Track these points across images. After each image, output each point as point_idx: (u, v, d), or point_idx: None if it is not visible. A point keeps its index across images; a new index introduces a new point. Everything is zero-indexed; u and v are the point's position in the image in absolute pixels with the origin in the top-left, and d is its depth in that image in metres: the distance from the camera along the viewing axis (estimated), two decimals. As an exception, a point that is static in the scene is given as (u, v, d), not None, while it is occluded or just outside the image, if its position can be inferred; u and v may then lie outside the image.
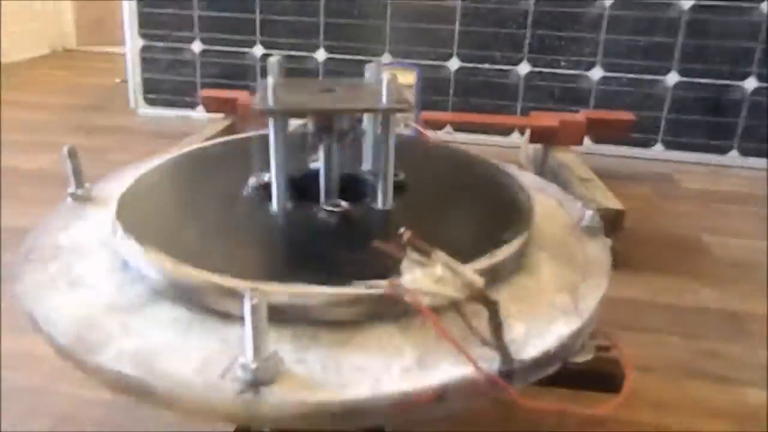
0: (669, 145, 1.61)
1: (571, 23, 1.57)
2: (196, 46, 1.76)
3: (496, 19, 1.58)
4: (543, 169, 1.27)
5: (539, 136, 1.30)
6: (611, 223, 0.97)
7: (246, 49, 1.73)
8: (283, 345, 0.38)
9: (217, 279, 0.40)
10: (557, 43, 1.59)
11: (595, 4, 1.54)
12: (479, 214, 0.53)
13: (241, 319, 0.39)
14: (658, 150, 1.60)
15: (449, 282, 0.30)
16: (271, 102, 0.48)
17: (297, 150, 0.58)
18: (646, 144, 1.60)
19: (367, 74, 0.56)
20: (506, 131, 1.63)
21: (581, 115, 1.32)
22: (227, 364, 0.36)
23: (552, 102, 1.61)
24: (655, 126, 1.60)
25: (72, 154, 0.55)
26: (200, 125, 1.50)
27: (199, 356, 0.37)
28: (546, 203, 0.58)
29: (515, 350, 0.37)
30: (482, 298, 0.30)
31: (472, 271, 0.30)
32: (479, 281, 0.30)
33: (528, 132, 1.34)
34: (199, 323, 0.40)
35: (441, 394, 0.35)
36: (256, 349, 0.34)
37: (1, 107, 1.82)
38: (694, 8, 1.49)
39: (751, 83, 1.52)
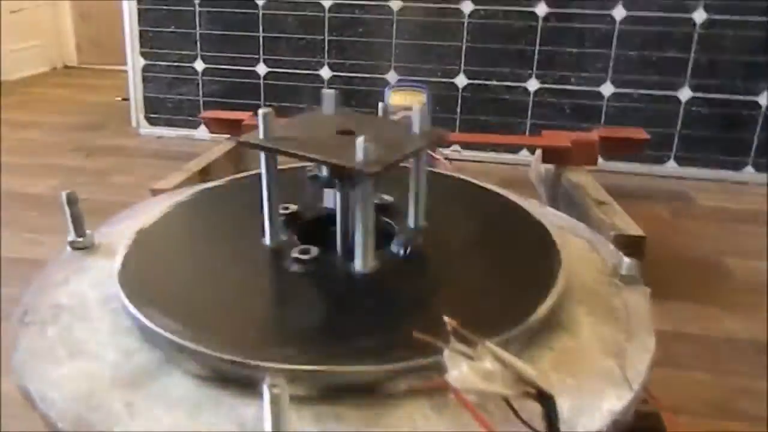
0: (682, 162, 1.57)
1: (581, 38, 1.54)
2: (198, 65, 1.73)
3: (504, 34, 1.55)
4: (556, 191, 1.23)
5: (551, 156, 1.26)
6: (632, 250, 0.93)
7: (249, 68, 1.70)
8: (305, 426, 0.34)
9: (230, 354, 0.37)
10: (567, 58, 1.56)
11: (605, 19, 1.51)
12: (505, 263, 0.50)
13: (258, 395, 0.35)
14: (671, 166, 1.57)
15: (499, 377, 0.26)
16: (261, 135, 0.45)
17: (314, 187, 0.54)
18: (659, 161, 1.57)
19: (324, 104, 0.52)
20: (515, 149, 1.59)
21: (594, 134, 1.29)
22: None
23: (562, 119, 1.57)
24: (668, 142, 1.56)
25: (71, 201, 0.52)
26: (204, 146, 1.47)
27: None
28: (575, 245, 0.55)
29: (563, 432, 0.34)
30: (536, 393, 0.26)
31: (522, 364, 0.27)
32: (532, 374, 0.27)
33: (539, 151, 1.30)
34: (213, 402, 0.36)
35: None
36: (278, 436, 0.31)
37: (1, 127, 1.79)
38: (707, 22, 1.46)
39: (765, 98, 1.49)
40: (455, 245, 0.51)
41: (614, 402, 0.36)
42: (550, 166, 1.27)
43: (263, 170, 0.48)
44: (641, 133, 1.30)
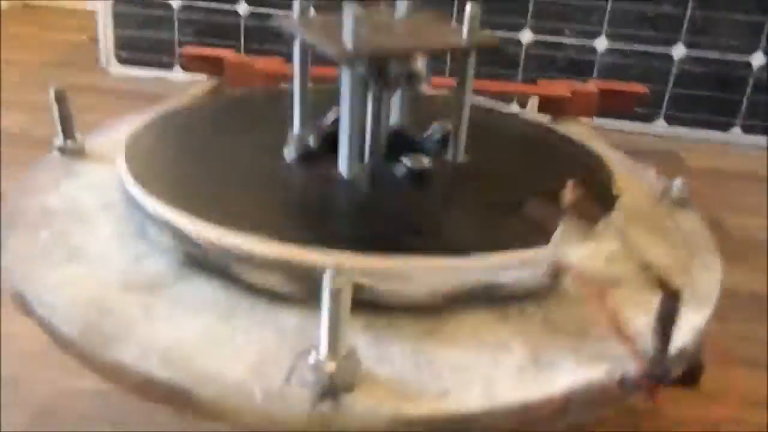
0: (672, 121, 1.55)
1: (578, -11, 1.49)
2: (175, 1, 1.62)
3: (499, -18, 1.49)
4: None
5: (548, 105, 1.22)
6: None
7: (229, 6, 1.61)
8: (355, 337, 0.29)
9: (274, 249, 0.31)
10: (562, 10, 1.51)
11: (605, -31, 1.47)
12: (557, 182, 0.45)
13: (300, 301, 0.31)
14: (660, 125, 1.55)
15: (622, 261, 0.22)
16: (351, 45, 0.36)
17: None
18: (649, 118, 1.55)
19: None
20: (507, 98, 1.55)
21: (592, 85, 1.25)
22: (291, 363, 0.28)
23: (554, 72, 1.53)
24: (659, 100, 1.54)
25: (60, 98, 0.46)
26: (180, 87, 1.38)
27: (251, 352, 0.29)
28: (622, 170, 0.51)
29: (644, 347, 0.30)
30: (662, 284, 0.22)
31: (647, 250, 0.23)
32: (659, 263, 0.23)
33: (535, 100, 1.26)
34: (246, 307, 0.31)
35: (568, 403, 0.28)
36: (334, 345, 0.26)
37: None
38: (706, -23, 1.43)
39: (758, 58, 1.47)
40: (503, 162, 0.47)
41: (695, 317, 0.33)
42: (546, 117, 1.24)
43: (347, 85, 0.40)
44: (640, 87, 1.27)
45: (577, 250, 0.23)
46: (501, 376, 0.28)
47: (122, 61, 1.70)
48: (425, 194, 0.40)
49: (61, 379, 0.65)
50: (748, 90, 1.51)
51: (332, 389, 0.26)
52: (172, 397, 0.27)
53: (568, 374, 0.28)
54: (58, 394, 0.63)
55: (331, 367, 0.26)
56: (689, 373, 0.49)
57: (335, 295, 0.25)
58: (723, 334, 0.83)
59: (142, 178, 0.37)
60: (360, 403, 0.26)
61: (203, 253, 0.33)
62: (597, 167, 0.45)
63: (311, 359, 0.27)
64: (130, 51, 1.71)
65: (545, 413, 0.27)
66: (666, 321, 0.23)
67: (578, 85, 1.26)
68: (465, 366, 0.29)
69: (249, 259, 0.32)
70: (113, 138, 0.48)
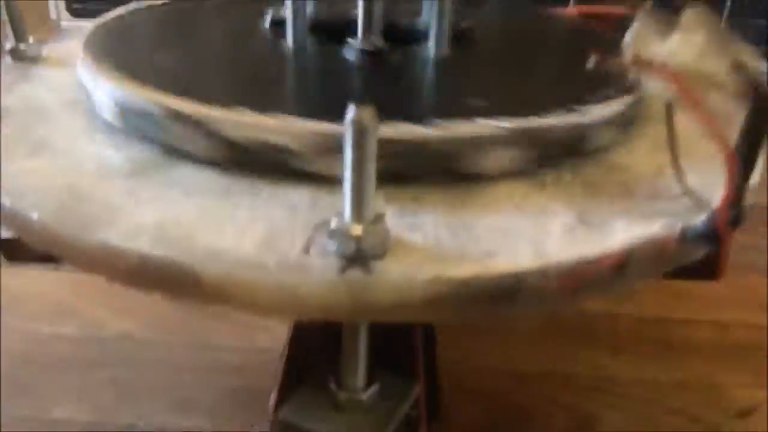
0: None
1: None
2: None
3: None
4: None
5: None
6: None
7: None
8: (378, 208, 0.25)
9: (277, 121, 0.27)
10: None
11: None
12: (570, 70, 0.42)
13: (310, 178, 0.27)
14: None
15: (714, 56, 0.19)
16: None
17: None
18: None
19: None
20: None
21: (573, 9, 1.21)
22: (310, 233, 0.24)
23: None
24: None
25: (8, -5, 0.40)
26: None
27: (258, 228, 0.25)
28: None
29: (701, 202, 0.27)
30: (756, 88, 0.19)
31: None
32: (759, 64, 0.19)
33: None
34: (247, 187, 0.27)
35: (628, 258, 0.24)
36: (359, 207, 0.22)
37: None
38: None
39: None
40: (519, 50, 0.43)
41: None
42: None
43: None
44: (619, 10, 1.24)
45: (658, 46, 0.19)
46: (550, 236, 0.25)
47: (74, 13, 1.60)
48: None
49: (35, 326, 0.61)
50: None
51: (361, 255, 0.22)
52: (169, 279, 0.23)
53: (623, 232, 0.25)
54: (35, 340, 0.59)
55: (357, 230, 0.22)
56: (711, 262, 0.46)
57: (360, 136, 0.21)
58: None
59: (111, 61, 0.33)
60: (394, 269, 0.23)
61: (192, 134, 0.28)
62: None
63: (333, 224, 0.23)
64: (83, 2, 1.61)
65: (604, 270, 0.24)
66: (753, 138, 0.20)
67: (561, 11, 1.22)
68: (507, 229, 0.25)
69: (248, 133, 0.27)
70: (71, 45, 0.43)
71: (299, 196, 0.27)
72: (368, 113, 0.21)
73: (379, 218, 0.23)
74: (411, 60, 0.38)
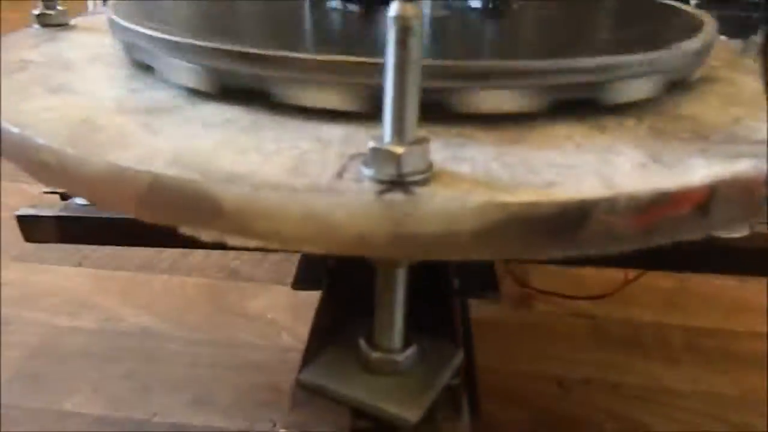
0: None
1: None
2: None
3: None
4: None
5: None
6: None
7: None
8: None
9: (309, 58, 0.25)
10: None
11: None
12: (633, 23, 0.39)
13: (344, 116, 0.24)
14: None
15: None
16: None
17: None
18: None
19: None
20: None
21: None
22: (344, 161, 0.21)
23: None
24: None
25: (39, -43, 0.39)
26: None
27: (285, 155, 0.22)
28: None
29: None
30: None
31: None
32: None
33: None
34: (274, 124, 0.25)
35: (712, 195, 0.21)
36: (401, 121, 0.19)
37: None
38: None
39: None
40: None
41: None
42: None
43: None
44: None
45: None
46: (618, 170, 0.21)
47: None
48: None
49: (52, 319, 0.59)
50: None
51: (402, 179, 0.20)
52: (185, 204, 0.20)
53: (703, 168, 0.22)
54: (53, 333, 0.57)
55: (398, 149, 0.20)
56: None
57: (403, 33, 0.18)
58: None
59: (137, 10, 0.31)
60: (440, 193, 0.20)
61: (213, 72, 0.26)
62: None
63: (371, 145, 0.20)
64: None
65: (685, 208, 0.20)
66: None
67: None
68: (570, 164, 0.22)
69: (280, 72, 0.25)
70: (99, 18, 0.41)
71: (331, 130, 0.24)
72: (412, 8, 0.18)
73: (422, 140, 0.20)
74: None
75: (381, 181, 0.20)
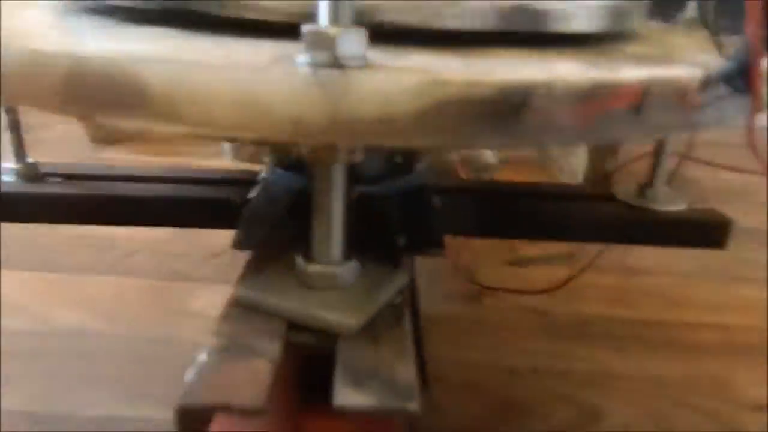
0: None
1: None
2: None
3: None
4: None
5: None
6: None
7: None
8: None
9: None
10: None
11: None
12: None
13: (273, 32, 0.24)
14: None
15: None
16: None
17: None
18: None
19: None
20: None
21: None
22: (278, 55, 0.21)
23: None
24: None
25: None
26: None
27: (219, 52, 0.21)
28: None
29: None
30: None
31: None
32: None
33: None
34: (207, 36, 0.24)
35: (646, 95, 0.21)
36: (335, 5, 0.19)
37: None
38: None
39: None
40: None
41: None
42: None
43: None
44: None
45: None
46: (559, 67, 0.22)
47: None
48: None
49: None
50: None
51: (339, 60, 0.19)
52: (109, 91, 0.19)
53: (636, 70, 0.22)
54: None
55: (333, 31, 0.19)
56: (712, 231, 0.44)
57: None
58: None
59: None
60: (378, 75, 0.19)
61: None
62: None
63: (305, 29, 0.19)
64: None
65: (620, 101, 0.20)
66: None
67: None
68: (510, 63, 0.22)
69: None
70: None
71: (264, 42, 0.23)
72: None
73: (358, 28, 0.20)
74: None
75: (316, 65, 0.19)
